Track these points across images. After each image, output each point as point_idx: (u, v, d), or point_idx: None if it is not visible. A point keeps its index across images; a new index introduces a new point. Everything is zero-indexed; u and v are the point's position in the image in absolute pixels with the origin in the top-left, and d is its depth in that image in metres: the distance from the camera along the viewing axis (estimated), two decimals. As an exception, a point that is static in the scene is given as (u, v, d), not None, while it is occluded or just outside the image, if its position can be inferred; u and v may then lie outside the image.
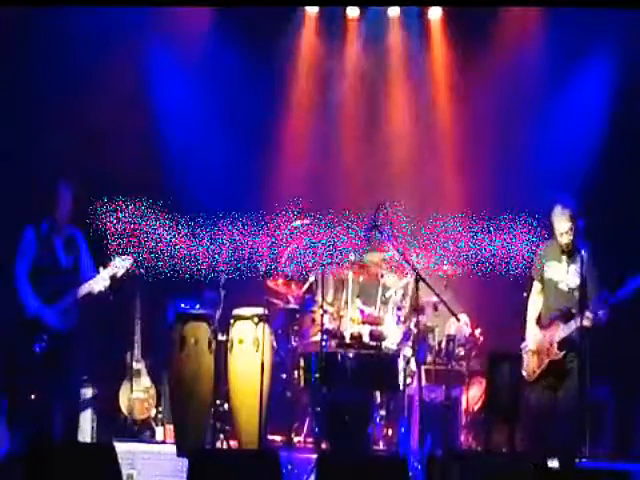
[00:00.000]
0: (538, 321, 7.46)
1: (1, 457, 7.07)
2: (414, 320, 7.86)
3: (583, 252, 7.20)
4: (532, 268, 7.62)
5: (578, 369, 7.24)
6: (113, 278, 7.41)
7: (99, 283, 7.36)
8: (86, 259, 7.52)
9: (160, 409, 8.79)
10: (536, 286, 7.57)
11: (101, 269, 7.39)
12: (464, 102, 9.95)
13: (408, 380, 8.04)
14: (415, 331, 7.89)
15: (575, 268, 7.30)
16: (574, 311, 7.22)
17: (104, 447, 6.13)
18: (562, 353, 7.22)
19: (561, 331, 7.23)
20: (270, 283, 8.44)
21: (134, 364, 8.72)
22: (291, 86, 10.14)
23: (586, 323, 7.11)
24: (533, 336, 7.36)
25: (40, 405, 7.25)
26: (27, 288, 7.29)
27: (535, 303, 7.56)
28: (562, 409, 7.21)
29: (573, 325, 7.19)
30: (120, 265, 7.40)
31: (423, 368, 8.07)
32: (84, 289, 7.35)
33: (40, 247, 7.37)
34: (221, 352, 7.94)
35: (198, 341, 7.84)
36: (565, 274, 7.36)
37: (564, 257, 7.39)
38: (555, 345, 7.23)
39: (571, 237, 7.32)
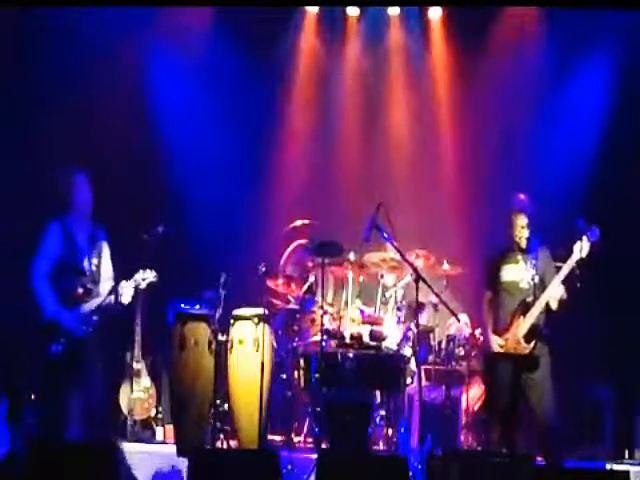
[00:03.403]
0: (494, 329, 7.32)
1: (1, 457, 7.05)
2: (414, 320, 7.85)
3: (531, 244, 7.30)
4: (486, 277, 7.45)
5: (549, 358, 7.20)
6: (136, 289, 7.14)
7: (127, 293, 7.07)
8: (107, 260, 7.25)
9: (160, 409, 8.79)
10: (488, 295, 7.41)
11: (124, 282, 7.07)
12: (464, 102, 9.96)
13: (408, 380, 8.05)
14: (415, 331, 7.89)
15: (530, 263, 7.29)
16: (529, 300, 7.20)
17: (104, 447, 6.12)
18: (532, 345, 7.18)
19: (524, 324, 7.17)
20: (270, 283, 8.44)
21: (134, 364, 8.71)
22: (291, 86, 10.15)
23: (553, 293, 7.11)
24: (497, 345, 7.25)
25: (47, 406, 7.14)
26: (46, 289, 6.97)
27: (488, 311, 7.38)
28: (537, 409, 7.16)
29: (535, 312, 7.15)
30: (144, 280, 7.12)
31: (423, 368, 8.07)
32: (108, 299, 7.03)
33: (64, 245, 7.08)
34: (221, 352, 7.94)
35: (198, 341, 7.83)
36: (525, 271, 7.30)
37: (520, 257, 7.35)
38: (522, 340, 7.17)
39: (527, 232, 7.30)
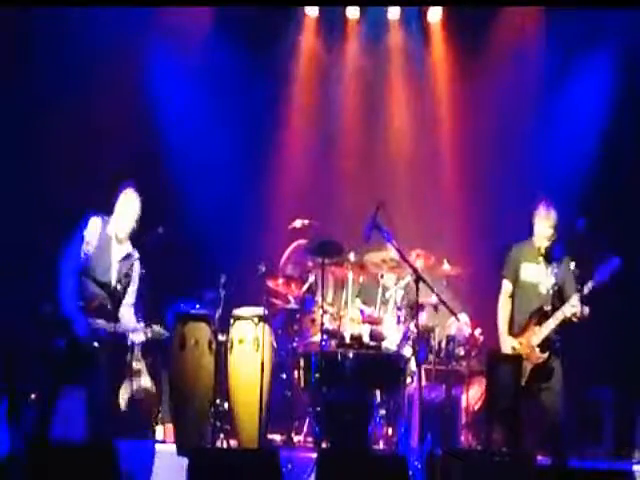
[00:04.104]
0: (509, 328, 7.36)
1: (1, 457, 7.04)
2: (414, 320, 7.85)
3: (554, 251, 7.32)
4: (504, 268, 7.50)
5: (561, 367, 7.22)
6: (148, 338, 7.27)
7: (138, 337, 7.20)
8: (134, 289, 7.18)
9: (160, 409, 8.78)
10: (507, 287, 7.45)
11: (142, 325, 7.18)
12: (464, 102, 9.97)
13: (408, 380, 8.05)
14: (415, 331, 7.89)
15: (552, 270, 7.31)
16: (547, 308, 7.22)
17: (104, 447, 6.12)
18: (546, 355, 7.20)
19: (539, 333, 7.20)
20: (270, 283, 8.44)
21: (134, 364, 8.70)
22: (291, 86, 10.16)
23: (573, 310, 7.10)
24: (510, 347, 7.28)
25: (47, 403, 7.12)
26: (73, 286, 6.86)
27: (505, 306, 7.44)
28: (549, 412, 7.17)
29: (552, 324, 7.17)
30: (158, 333, 7.23)
31: (423, 368, 8.06)
32: (121, 328, 7.04)
33: (100, 247, 6.99)
34: (221, 352, 7.94)
35: (198, 341, 7.82)
36: (544, 276, 7.32)
37: (541, 259, 7.36)
38: (537, 349, 7.20)
39: (551, 241, 7.32)
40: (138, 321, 7.26)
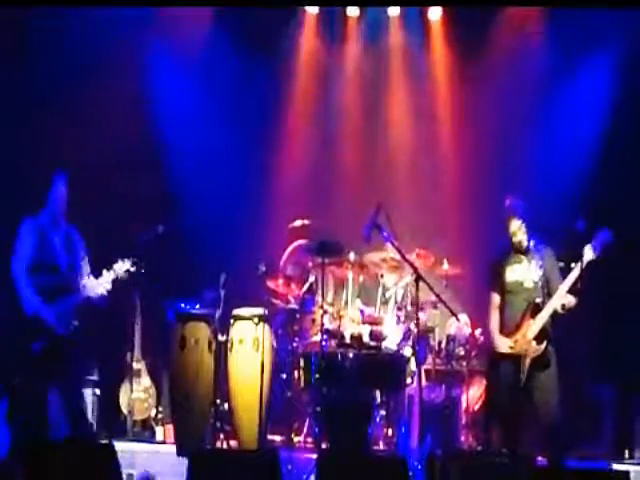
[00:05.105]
0: (502, 331, 7.32)
1: (1, 457, 7.04)
2: (414, 320, 7.85)
3: (533, 245, 7.32)
4: (491, 279, 7.45)
5: (556, 362, 7.19)
6: (114, 282, 7.16)
7: (100, 287, 7.10)
8: (83, 259, 7.27)
9: (160, 409, 8.79)
10: (495, 299, 7.40)
11: (104, 272, 7.13)
12: (464, 102, 9.95)
13: (408, 380, 8.05)
14: (415, 331, 7.89)
15: (535, 263, 7.31)
16: (538, 301, 7.23)
17: (104, 447, 6.12)
18: (543, 346, 7.17)
19: (534, 326, 7.18)
20: (270, 283, 8.44)
21: (134, 364, 8.72)
22: (291, 86, 10.15)
23: (561, 301, 7.11)
24: (507, 347, 7.24)
25: (38, 405, 7.13)
26: (27, 285, 7.00)
27: (493, 316, 7.39)
28: (542, 411, 7.17)
29: (545, 315, 7.16)
30: (121, 268, 7.15)
31: (423, 368, 8.07)
32: (84, 292, 7.09)
33: (39, 242, 7.13)
34: (221, 352, 7.94)
35: (198, 341, 7.84)
36: (527, 272, 7.32)
37: (522, 257, 7.37)
38: (533, 342, 7.19)
39: (524, 234, 7.32)
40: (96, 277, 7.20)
